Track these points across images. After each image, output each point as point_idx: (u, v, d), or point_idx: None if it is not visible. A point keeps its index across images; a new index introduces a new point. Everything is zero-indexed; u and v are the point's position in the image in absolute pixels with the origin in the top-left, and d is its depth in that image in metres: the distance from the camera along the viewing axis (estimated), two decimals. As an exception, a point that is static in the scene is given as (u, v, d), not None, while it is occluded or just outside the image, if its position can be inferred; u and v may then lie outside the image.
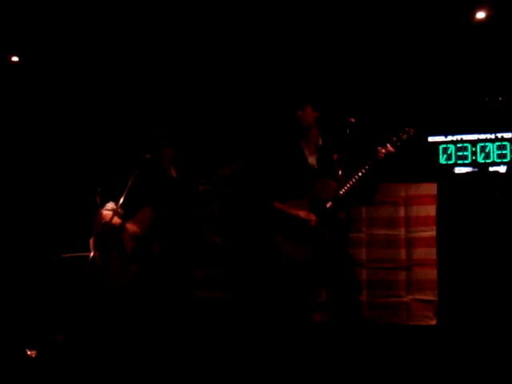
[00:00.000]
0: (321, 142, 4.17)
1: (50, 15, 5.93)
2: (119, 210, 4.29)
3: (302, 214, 3.96)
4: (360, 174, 3.89)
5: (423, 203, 5.89)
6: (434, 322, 5.73)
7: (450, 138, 6.32)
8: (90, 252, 4.21)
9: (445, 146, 6.32)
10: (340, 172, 3.87)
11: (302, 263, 3.96)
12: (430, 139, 6.35)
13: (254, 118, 6.48)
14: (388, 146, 3.91)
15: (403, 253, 5.90)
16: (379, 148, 3.91)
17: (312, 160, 4.13)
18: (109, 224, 4.19)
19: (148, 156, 4.48)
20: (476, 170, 6.19)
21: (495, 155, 6.15)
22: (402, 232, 5.93)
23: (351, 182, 3.89)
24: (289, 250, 4.00)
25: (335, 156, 4.03)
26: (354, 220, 5.78)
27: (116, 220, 4.29)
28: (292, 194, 4.05)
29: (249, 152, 5.93)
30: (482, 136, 6.21)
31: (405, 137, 3.94)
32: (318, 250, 3.91)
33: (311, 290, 4.02)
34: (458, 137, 6.29)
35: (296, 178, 4.05)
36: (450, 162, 6.29)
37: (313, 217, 3.94)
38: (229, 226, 5.99)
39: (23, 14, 5.91)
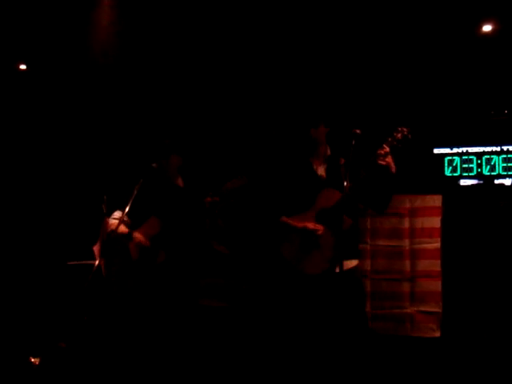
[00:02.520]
0: (329, 153, 4.19)
1: (58, 24, 5.97)
2: (125, 219, 4.30)
3: (310, 225, 3.97)
4: (359, 179, 3.89)
5: (428, 215, 5.88)
6: (437, 334, 5.72)
7: (455, 150, 6.33)
8: (95, 260, 4.23)
9: (450, 158, 6.33)
10: (346, 183, 3.86)
11: (315, 276, 3.95)
12: (436, 151, 6.36)
13: (262, 132, 6.49)
14: (384, 146, 3.90)
15: (408, 264, 5.90)
16: (378, 150, 3.90)
17: (321, 171, 4.14)
18: (115, 232, 4.20)
19: (154, 165, 4.50)
20: (481, 182, 6.19)
21: (501, 168, 6.15)
22: (406, 243, 5.93)
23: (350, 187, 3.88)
24: (300, 263, 4.00)
25: (342, 160, 4.04)
26: (361, 230, 5.81)
27: (123, 229, 4.31)
28: (302, 205, 4.05)
29: (258, 166, 5.94)
30: (488, 148, 6.22)
31: (399, 136, 3.93)
32: (329, 262, 3.89)
33: (324, 301, 3.99)
34: (464, 149, 6.30)
35: (306, 189, 4.06)
36: (455, 174, 6.29)
37: (320, 227, 3.95)
38: (234, 236, 5.99)
39: (31, 22, 5.95)
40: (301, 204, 4.07)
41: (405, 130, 3.93)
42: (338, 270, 3.83)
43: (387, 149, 3.87)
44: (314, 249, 3.96)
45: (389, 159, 3.87)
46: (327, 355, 3.93)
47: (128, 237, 4.35)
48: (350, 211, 3.97)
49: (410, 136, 3.93)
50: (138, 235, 4.36)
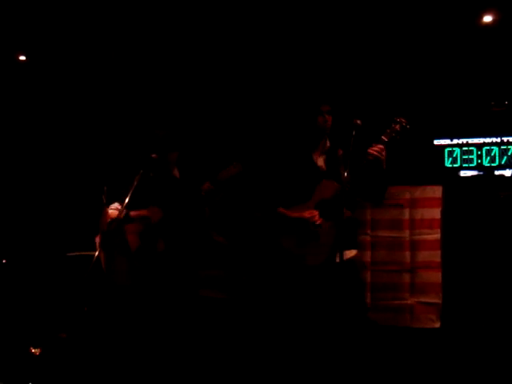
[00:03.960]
0: (329, 144, 4.15)
1: (58, 14, 5.95)
2: (124, 210, 4.30)
3: (306, 213, 3.95)
4: (356, 170, 3.87)
5: (428, 206, 5.89)
6: (437, 325, 5.73)
7: (455, 141, 6.33)
8: (95, 251, 4.22)
9: (450, 149, 6.33)
10: (346, 174, 3.85)
11: (314, 267, 3.95)
12: (436, 142, 6.36)
13: (260, 122, 6.48)
14: (382, 138, 3.87)
15: (408, 255, 5.91)
16: (373, 144, 3.88)
17: (321, 162, 4.10)
18: (114, 221, 4.21)
19: (154, 156, 4.49)
20: (481, 173, 6.19)
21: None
22: (406, 234, 5.94)
23: (349, 178, 3.88)
24: (299, 254, 3.99)
25: (340, 151, 4.03)
26: (361, 222, 5.81)
27: (121, 215, 4.30)
28: (301, 196, 4.02)
29: (255, 156, 5.93)
30: (488, 139, 6.21)
31: (398, 127, 3.90)
32: (328, 253, 3.89)
33: (324, 292, 3.99)
34: (464, 140, 6.30)
35: (305, 180, 4.03)
36: (455, 165, 6.29)
37: (315, 213, 3.93)
38: (232, 226, 5.99)
39: (30, 13, 5.93)
40: (299, 195, 4.03)
41: (403, 120, 3.89)
42: (337, 260, 3.83)
43: (382, 146, 3.84)
44: (313, 240, 3.94)
45: (383, 155, 3.82)
46: (326, 346, 3.93)
47: (126, 218, 4.34)
48: (348, 203, 3.97)
49: (408, 127, 3.91)
50: (134, 212, 4.36)
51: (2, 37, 6.29)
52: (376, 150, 3.82)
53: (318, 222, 3.93)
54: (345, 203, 3.89)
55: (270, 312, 5.45)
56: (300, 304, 4.03)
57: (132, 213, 4.38)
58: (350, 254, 4.01)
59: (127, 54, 6.48)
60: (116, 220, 4.24)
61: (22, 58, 6.77)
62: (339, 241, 3.89)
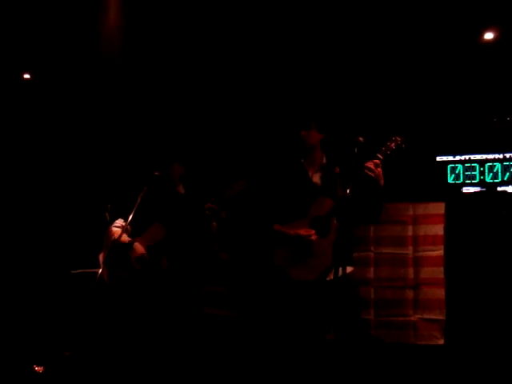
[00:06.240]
0: (325, 161, 4.17)
1: (62, 33, 6.00)
2: (128, 227, 4.31)
3: (302, 231, 3.96)
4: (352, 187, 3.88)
5: (431, 222, 5.89)
6: (441, 342, 5.71)
7: (458, 157, 6.33)
8: (99, 268, 4.23)
9: (453, 165, 6.33)
10: (348, 190, 3.85)
11: (308, 283, 3.95)
12: (439, 159, 6.36)
13: (257, 138, 6.52)
14: (378, 155, 3.89)
15: (411, 272, 5.90)
16: (368, 161, 3.88)
17: (316, 178, 4.13)
18: (118, 241, 4.21)
19: (157, 173, 4.51)
20: (484, 189, 6.20)
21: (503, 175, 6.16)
22: (409, 251, 5.93)
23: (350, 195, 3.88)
24: (293, 271, 3.99)
25: (337, 169, 4.04)
26: (360, 238, 5.81)
27: (125, 238, 4.31)
28: (296, 213, 4.04)
29: (256, 171, 5.95)
30: (490, 156, 6.22)
31: (393, 145, 3.91)
32: (322, 269, 3.90)
33: (319, 309, 3.98)
34: (466, 156, 6.30)
35: (300, 197, 4.05)
36: (458, 182, 6.29)
37: (312, 231, 3.94)
38: (238, 242, 6.00)
39: (35, 31, 5.98)
40: (295, 211, 4.06)
41: (398, 139, 3.91)
42: (331, 277, 3.83)
43: (378, 161, 3.85)
44: (307, 256, 3.94)
45: (379, 171, 3.84)
46: (323, 361, 3.92)
47: (129, 247, 4.34)
48: (343, 219, 3.96)
49: (403, 145, 3.91)
50: (138, 248, 4.35)
51: (6, 55, 6.35)
52: (368, 166, 3.83)
53: (313, 238, 3.93)
54: (339, 220, 3.91)
55: (266, 328, 5.46)
56: (291, 319, 4.04)
57: (136, 246, 4.38)
58: (345, 270, 4.00)
59: (132, 70, 6.51)
60: (120, 241, 4.24)
61: (27, 76, 6.82)
62: (334, 257, 3.90)
